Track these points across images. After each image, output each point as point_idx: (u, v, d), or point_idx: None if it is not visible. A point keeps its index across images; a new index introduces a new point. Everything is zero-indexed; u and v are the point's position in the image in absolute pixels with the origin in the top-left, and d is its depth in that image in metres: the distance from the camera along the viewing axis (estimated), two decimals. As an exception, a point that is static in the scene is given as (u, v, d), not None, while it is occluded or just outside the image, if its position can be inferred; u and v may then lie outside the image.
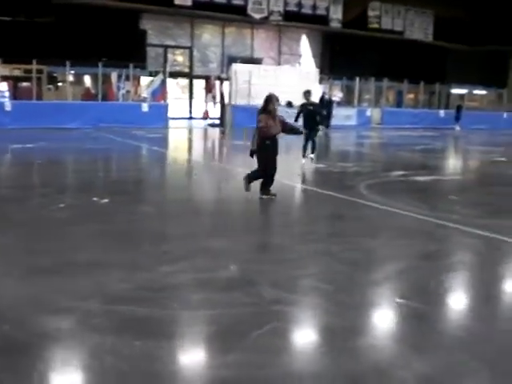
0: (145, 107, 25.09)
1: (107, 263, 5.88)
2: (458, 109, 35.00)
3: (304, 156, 14.90)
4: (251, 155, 9.44)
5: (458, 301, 5.41)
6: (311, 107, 15.11)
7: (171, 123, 26.30)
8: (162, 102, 26.20)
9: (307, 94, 15.17)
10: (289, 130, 10.08)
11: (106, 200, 9.24)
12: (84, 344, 4.14)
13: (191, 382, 3.77)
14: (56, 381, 3.75)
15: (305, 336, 4.47)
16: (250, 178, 9.58)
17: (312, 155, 15.13)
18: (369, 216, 8.77)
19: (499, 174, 15.21)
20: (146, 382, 3.67)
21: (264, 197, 9.46)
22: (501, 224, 8.32)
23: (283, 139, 10.37)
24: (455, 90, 39.59)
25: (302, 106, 15.21)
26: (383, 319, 4.81)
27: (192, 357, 4.11)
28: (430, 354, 4.16)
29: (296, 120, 14.79)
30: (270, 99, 9.45)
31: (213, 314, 4.74)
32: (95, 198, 9.26)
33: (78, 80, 29.68)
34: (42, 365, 3.82)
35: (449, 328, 4.70)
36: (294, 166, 14.43)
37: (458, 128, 33.59)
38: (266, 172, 9.43)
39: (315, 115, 15.04)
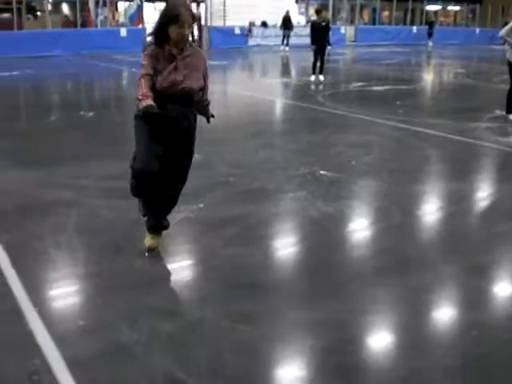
0: (123, 32, 25.95)
1: (94, 157, 7.33)
2: (431, 25, 35.89)
3: (314, 73, 15.45)
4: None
5: (366, 172, 6.95)
6: (324, 24, 15.10)
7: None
8: (140, 26, 27.00)
9: (319, 11, 15.55)
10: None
11: (91, 113, 10.63)
12: (82, 205, 5.64)
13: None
14: (67, 226, 5.22)
15: (242, 194, 5.99)
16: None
17: (321, 76, 15.49)
18: (317, 118, 10.33)
19: (451, 83, 16.66)
20: (128, 225, 5.17)
21: None
22: (426, 121, 9.87)
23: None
24: (429, 7, 40.26)
25: (314, 23, 15.43)
26: (308, 184, 6.34)
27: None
28: (335, 202, 5.77)
29: (312, 40, 15.00)
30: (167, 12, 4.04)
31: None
32: (82, 112, 10.64)
33: (57, 9, 30.26)
34: (51, 218, 5.31)
35: (350, 186, 6.32)
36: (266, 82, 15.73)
37: (430, 44, 34.58)
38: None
39: (326, 33, 15.12)
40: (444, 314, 3.91)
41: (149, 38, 4.13)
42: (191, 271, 4.49)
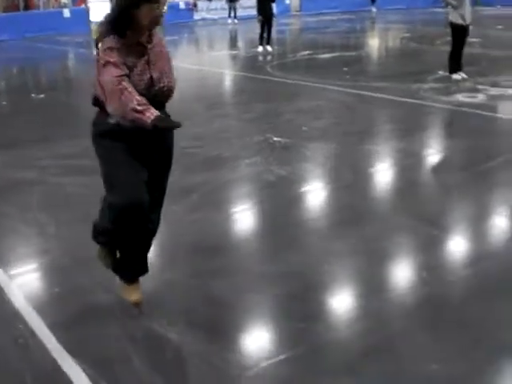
0: (66, 13, 25.56)
1: (52, 138, 7.42)
2: (373, -10, 36.19)
3: (261, 44, 15.65)
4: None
5: (318, 136, 7.25)
6: None
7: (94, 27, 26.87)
8: (83, 6, 26.61)
9: None
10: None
11: (42, 96, 10.64)
12: (46, 183, 5.79)
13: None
14: (33, 203, 5.32)
15: (201, 164, 6.20)
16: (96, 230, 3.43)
17: (269, 46, 15.70)
18: (268, 87, 10.61)
19: (395, 48, 17.05)
20: (92, 199, 5.24)
21: None
22: (373, 85, 10.20)
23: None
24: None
25: None
26: (263, 151, 6.58)
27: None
28: (288, 165, 6.05)
29: (258, 10, 15.15)
30: None
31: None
32: (33, 95, 10.64)
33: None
34: (18, 197, 5.44)
35: (303, 150, 6.64)
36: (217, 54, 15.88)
37: (374, 9, 34.91)
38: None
39: (271, 3, 15.24)
40: (397, 258, 4.23)
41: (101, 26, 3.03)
42: (158, 238, 4.67)
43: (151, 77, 3.04)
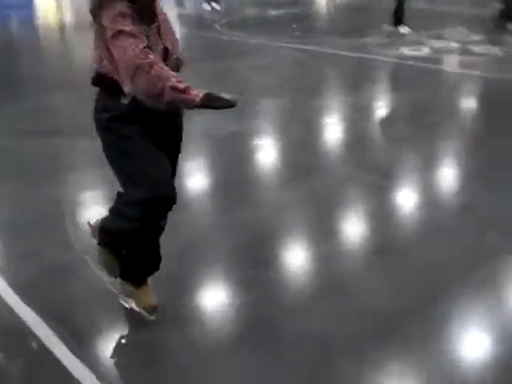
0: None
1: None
2: None
3: (207, 2, 15.45)
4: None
5: (269, 93, 7.34)
6: None
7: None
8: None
9: None
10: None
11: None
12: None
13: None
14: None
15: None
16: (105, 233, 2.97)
17: (215, 4, 15.51)
18: (217, 46, 10.66)
19: (344, 4, 17.11)
20: (41, 160, 5.30)
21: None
22: (322, 41, 10.34)
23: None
24: None
25: None
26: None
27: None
28: (240, 121, 6.12)
29: None
30: None
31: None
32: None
33: None
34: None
35: (253, 106, 6.73)
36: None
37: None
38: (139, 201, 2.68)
39: None
40: (348, 211, 4.37)
41: None
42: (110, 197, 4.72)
43: (165, 48, 2.62)
